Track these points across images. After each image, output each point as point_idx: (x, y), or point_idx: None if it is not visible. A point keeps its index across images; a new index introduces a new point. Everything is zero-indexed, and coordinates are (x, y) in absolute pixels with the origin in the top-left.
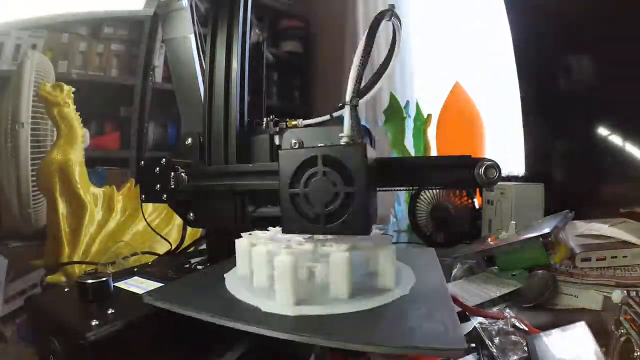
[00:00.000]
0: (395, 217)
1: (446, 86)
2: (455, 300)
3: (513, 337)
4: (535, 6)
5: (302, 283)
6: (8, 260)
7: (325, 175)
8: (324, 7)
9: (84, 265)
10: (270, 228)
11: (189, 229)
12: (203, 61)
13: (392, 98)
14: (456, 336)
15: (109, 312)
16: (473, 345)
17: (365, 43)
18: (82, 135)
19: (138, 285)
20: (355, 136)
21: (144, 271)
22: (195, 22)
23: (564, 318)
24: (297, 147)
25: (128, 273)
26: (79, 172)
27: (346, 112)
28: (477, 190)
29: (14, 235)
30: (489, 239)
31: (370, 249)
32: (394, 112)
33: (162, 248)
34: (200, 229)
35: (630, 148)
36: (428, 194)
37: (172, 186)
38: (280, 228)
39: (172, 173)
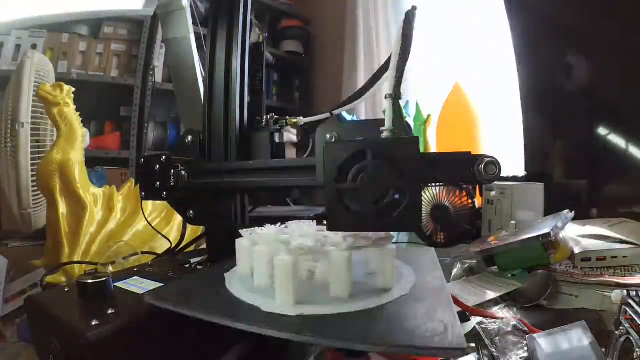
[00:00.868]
0: None
1: (446, 86)
2: (455, 300)
3: (513, 337)
4: (535, 6)
5: (302, 283)
6: (8, 260)
7: (375, 169)
8: (324, 7)
9: (84, 265)
10: (268, 225)
11: (189, 227)
12: (203, 61)
13: None
14: (456, 336)
15: (109, 312)
16: (473, 345)
17: (402, 39)
18: (82, 135)
19: (138, 285)
20: (397, 130)
21: (144, 271)
22: (197, 22)
23: (564, 318)
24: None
25: (128, 273)
26: (79, 172)
27: (388, 106)
28: (477, 190)
29: (14, 235)
30: (489, 239)
31: (370, 249)
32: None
33: (162, 248)
34: (201, 228)
35: (630, 148)
36: (428, 193)
37: (172, 184)
38: (280, 226)
39: (172, 170)
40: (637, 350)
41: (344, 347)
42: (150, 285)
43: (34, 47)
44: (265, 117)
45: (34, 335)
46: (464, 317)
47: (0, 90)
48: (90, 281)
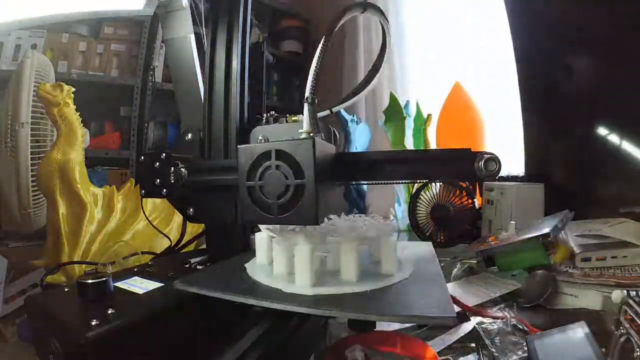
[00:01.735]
0: (396, 217)
1: (446, 86)
2: (455, 300)
3: (513, 337)
4: (535, 6)
5: (317, 269)
6: (8, 260)
7: (277, 168)
8: (324, 7)
9: (84, 265)
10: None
11: (189, 226)
12: (203, 60)
13: (392, 98)
14: (447, 308)
15: (109, 312)
16: (473, 345)
17: (322, 43)
18: (82, 135)
19: (138, 285)
20: (312, 132)
21: (144, 271)
22: (197, 22)
23: (564, 318)
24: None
25: (128, 273)
26: (79, 172)
27: (305, 109)
28: (477, 190)
29: (14, 235)
30: (489, 239)
31: (374, 240)
32: (394, 112)
33: (162, 248)
34: (202, 226)
35: (629, 148)
36: (428, 194)
37: (172, 181)
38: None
39: (172, 168)
40: (638, 350)
41: (356, 318)
42: (151, 285)
43: (34, 47)
44: (265, 115)
45: (34, 335)
46: (464, 317)
47: (0, 90)
48: (90, 281)
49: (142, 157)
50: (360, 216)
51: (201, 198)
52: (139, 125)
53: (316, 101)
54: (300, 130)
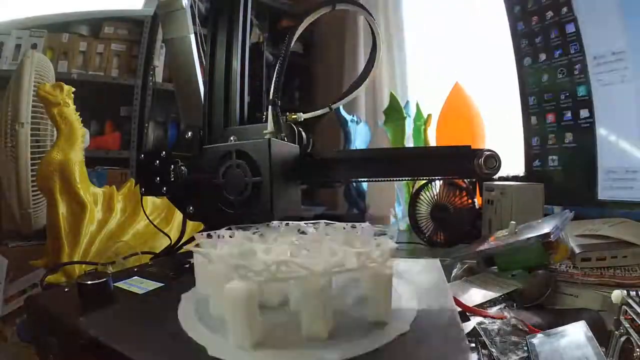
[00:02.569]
0: (395, 217)
1: (446, 86)
2: (455, 300)
3: (513, 337)
4: (534, 5)
5: (268, 314)
6: (8, 260)
7: (238, 167)
8: None
9: (84, 265)
10: (235, 229)
11: (189, 225)
12: (203, 60)
13: (392, 98)
14: None
15: (109, 312)
16: (473, 345)
17: (287, 43)
18: (82, 135)
19: (138, 286)
20: (275, 132)
21: (144, 271)
22: (196, 23)
23: (564, 318)
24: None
25: (128, 273)
26: (79, 172)
27: (268, 111)
28: (477, 190)
29: (14, 235)
30: (489, 239)
31: (360, 269)
32: (394, 112)
33: (162, 248)
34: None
35: (630, 148)
36: (428, 193)
37: (172, 179)
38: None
39: (172, 166)
40: (638, 350)
41: None
42: (150, 285)
43: (34, 47)
44: (265, 113)
45: (33, 335)
46: (464, 317)
47: (0, 90)
48: (90, 282)
49: (142, 155)
50: (353, 226)
51: (201, 196)
52: (139, 125)
53: (279, 103)
54: (264, 131)
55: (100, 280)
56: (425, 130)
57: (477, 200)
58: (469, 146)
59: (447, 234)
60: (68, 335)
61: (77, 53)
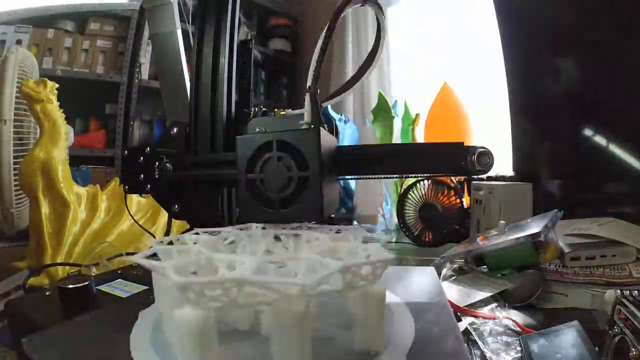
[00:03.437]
0: (384, 217)
1: (434, 86)
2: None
3: (505, 337)
4: (524, 7)
5: (233, 340)
6: None
7: (280, 160)
8: (313, 5)
9: (67, 267)
10: (199, 231)
11: (175, 224)
12: (189, 56)
13: (381, 97)
14: None
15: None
16: (465, 345)
17: (325, 34)
18: (65, 132)
19: (122, 289)
20: (314, 123)
21: (128, 273)
22: (184, 20)
23: (555, 317)
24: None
25: (112, 276)
26: (62, 170)
27: (306, 100)
28: (466, 189)
29: None
30: (478, 239)
31: (347, 290)
32: (382, 111)
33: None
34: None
35: (618, 148)
36: (416, 193)
37: (157, 176)
38: (212, 231)
39: (157, 163)
40: (633, 349)
41: None
42: (134, 288)
43: (18, 42)
44: (253, 109)
45: (14, 339)
46: (455, 317)
47: None
48: (71, 286)
49: (126, 152)
50: (338, 231)
51: (187, 193)
52: (125, 123)
53: (319, 91)
54: (301, 122)
55: (82, 284)
56: (413, 129)
57: (466, 200)
58: (462, 143)
59: (436, 233)
60: None
61: (63, 49)
